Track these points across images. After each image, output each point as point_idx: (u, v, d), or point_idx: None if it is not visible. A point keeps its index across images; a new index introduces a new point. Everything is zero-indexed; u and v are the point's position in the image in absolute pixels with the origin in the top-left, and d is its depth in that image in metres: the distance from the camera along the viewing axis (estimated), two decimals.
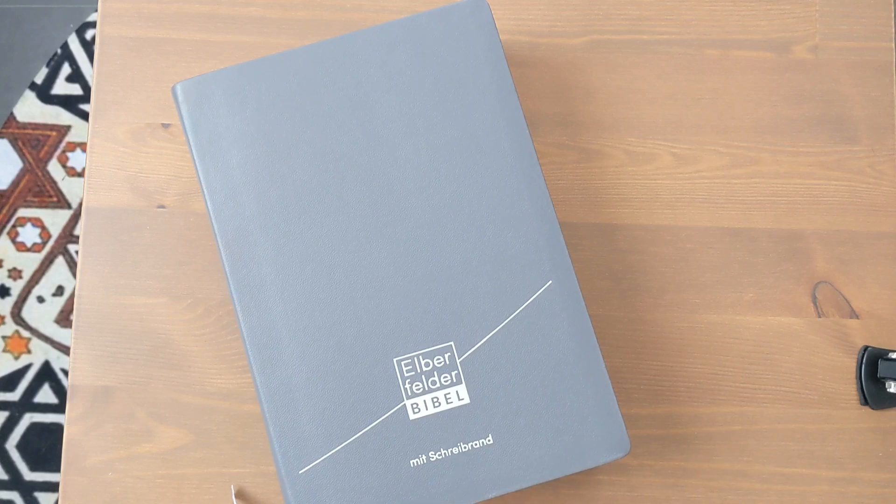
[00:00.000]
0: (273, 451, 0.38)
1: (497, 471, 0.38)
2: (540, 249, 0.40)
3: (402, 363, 0.38)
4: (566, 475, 0.38)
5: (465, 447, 0.38)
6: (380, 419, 0.38)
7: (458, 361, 0.38)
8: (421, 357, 0.38)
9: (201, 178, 0.41)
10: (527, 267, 0.40)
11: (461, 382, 0.38)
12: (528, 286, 0.39)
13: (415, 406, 0.38)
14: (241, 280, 0.39)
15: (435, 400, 0.38)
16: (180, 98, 0.41)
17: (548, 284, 0.39)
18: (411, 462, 0.38)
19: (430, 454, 0.38)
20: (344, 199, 0.40)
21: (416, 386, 0.38)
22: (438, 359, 0.38)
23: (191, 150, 0.41)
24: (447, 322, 0.39)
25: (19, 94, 1.18)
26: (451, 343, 0.39)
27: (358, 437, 0.38)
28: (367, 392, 0.38)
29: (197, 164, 0.41)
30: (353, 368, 0.38)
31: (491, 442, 0.38)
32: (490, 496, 0.38)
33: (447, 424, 0.38)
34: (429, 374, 0.38)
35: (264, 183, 0.40)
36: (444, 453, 0.38)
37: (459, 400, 0.38)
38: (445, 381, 0.38)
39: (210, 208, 0.40)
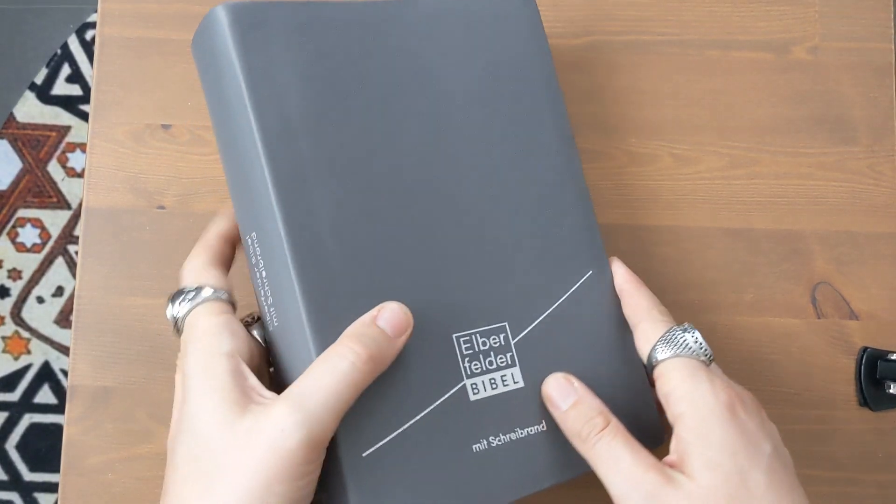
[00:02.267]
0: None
1: (551, 458, 0.36)
2: (582, 240, 0.40)
3: (462, 340, 0.36)
4: None
5: (521, 433, 0.36)
6: (441, 399, 0.35)
7: (512, 343, 0.37)
8: (479, 335, 0.36)
9: (251, 110, 0.34)
10: (570, 256, 0.39)
11: (516, 365, 0.37)
12: (572, 274, 0.39)
13: (474, 386, 0.36)
14: (296, 230, 0.34)
15: (493, 381, 0.36)
16: (226, 20, 0.35)
17: (589, 274, 0.39)
18: (474, 447, 0.35)
19: (490, 439, 0.36)
20: (402, 163, 0.37)
21: (475, 365, 0.36)
22: (494, 339, 0.37)
23: (235, 83, 0.35)
24: (501, 302, 0.37)
25: (19, 94, 1.18)
26: (506, 324, 0.37)
27: (421, 418, 0.35)
28: (429, 369, 0.35)
29: (246, 93, 0.34)
30: (415, 342, 0.35)
31: (544, 428, 0.37)
32: (548, 485, 0.36)
33: (505, 408, 0.36)
34: (486, 354, 0.36)
35: (325, 128, 0.36)
36: (504, 439, 0.36)
37: (515, 383, 0.37)
38: (501, 363, 0.37)
39: (260, 143, 0.34)
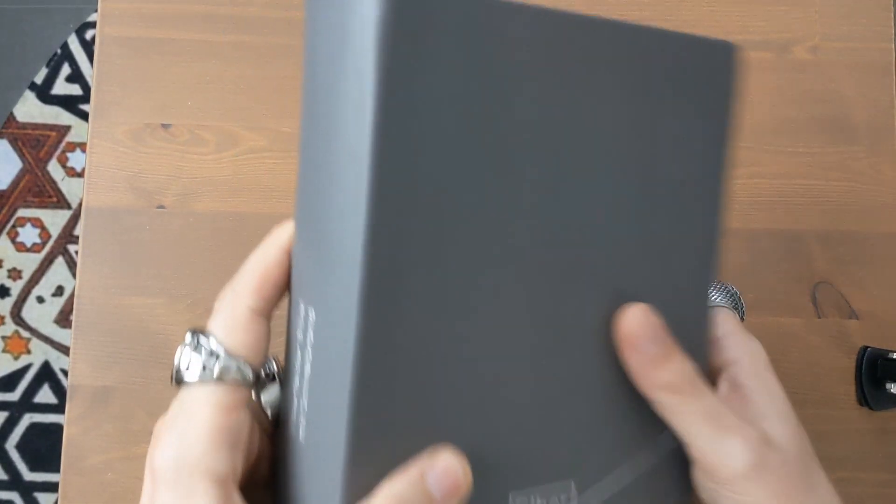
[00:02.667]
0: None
1: None
2: (687, 342, 0.30)
3: (518, 501, 0.29)
4: None
5: None
6: None
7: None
8: (539, 496, 0.29)
9: (376, 127, 0.23)
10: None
11: None
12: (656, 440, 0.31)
13: None
14: (379, 307, 0.24)
15: None
16: (375, 16, 0.22)
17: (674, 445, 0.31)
18: None
19: None
20: (531, 246, 0.27)
21: None
22: (554, 500, 0.29)
23: (374, 76, 0.22)
24: (569, 456, 0.29)
25: (19, 94, 1.18)
26: (571, 482, 0.30)
27: None
28: None
29: (378, 107, 0.22)
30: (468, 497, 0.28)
31: None
32: None
33: None
34: None
35: (464, 177, 0.25)
36: None
37: None
38: None
39: (369, 177, 0.23)
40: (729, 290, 0.35)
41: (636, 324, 0.28)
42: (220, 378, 0.25)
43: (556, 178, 0.27)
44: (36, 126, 1.17)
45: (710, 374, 0.32)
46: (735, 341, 0.32)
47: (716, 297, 0.35)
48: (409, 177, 0.24)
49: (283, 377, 0.28)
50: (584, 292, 0.28)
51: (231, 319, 0.26)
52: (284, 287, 0.28)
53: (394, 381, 0.25)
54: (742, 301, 0.35)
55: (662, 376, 0.29)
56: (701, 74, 0.31)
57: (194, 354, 0.26)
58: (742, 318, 0.36)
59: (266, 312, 0.27)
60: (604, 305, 0.29)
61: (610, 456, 0.30)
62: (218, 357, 0.25)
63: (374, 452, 0.25)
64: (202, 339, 0.26)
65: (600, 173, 0.28)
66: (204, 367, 0.25)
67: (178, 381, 0.26)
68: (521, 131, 0.26)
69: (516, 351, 0.27)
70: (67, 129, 1.18)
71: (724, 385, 0.31)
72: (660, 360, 0.29)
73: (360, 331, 0.24)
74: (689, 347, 0.30)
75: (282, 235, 0.28)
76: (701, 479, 0.30)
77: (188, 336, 0.26)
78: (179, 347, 0.26)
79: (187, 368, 0.25)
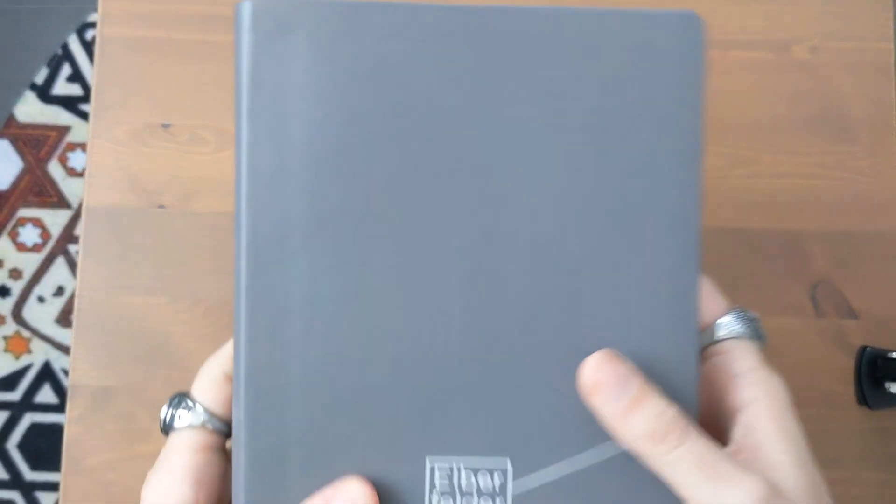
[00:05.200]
0: None
1: None
2: (666, 382, 0.28)
3: (437, 467, 0.27)
4: None
5: None
6: None
7: (509, 491, 0.27)
8: (462, 467, 0.27)
9: (244, 145, 0.27)
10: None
11: None
12: None
13: None
14: (259, 295, 0.27)
15: None
16: (245, 23, 0.27)
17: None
18: None
19: None
20: (427, 229, 0.28)
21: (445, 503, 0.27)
22: (485, 478, 0.27)
23: (240, 102, 0.27)
24: (509, 431, 0.27)
25: (19, 94, 1.18)
26: (507, 460, 0.27)
27: None
28: (381, 492, 0.27)
29: (244, 124, 0.27)
30: (374, 455, 0.27)
31: None
32: None
33: None
34: (466, 495, 0.27)
35: (330, 174, 0.27)
36: None
37: None
38: None
39: (244, 188, 0.27)
40: (748, 317, 0.31)
41: (599, 373, 0.26)
42: (192, 426, 0.30)
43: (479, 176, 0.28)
44: (36, 126, 1.17)
45: (727, 415, 0.29)
46: (754, 379, 0.29)
47: (734, 326, 0.31)
48: (281, 167, 0.27)
49: None
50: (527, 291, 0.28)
51: (207, 381, 0.31)
52: None
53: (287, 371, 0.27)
54: (763, 328, 0.31)
55: (637, 425, 0.26)
56: (663, 50, 0.29)
57: (178, 410, 0.31)
58: (763, 347, 0.32)
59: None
60: (557, 309, 0.28)
61: (558, 446, 0.28)
62: (193, 408, 0.30)
63: (271, 474, 0.27)
64: (184, 398, 0.31)
65: (546, 169, 0.28)
66: (180, 418, 0.31)
67: (166, 430, 0.31)
68: (431, 122, 0.27)
69: (449, 321, 0.27)
70: (67, 129, 1.18)
71: (738, 429, 0.28)
72: (632, 409, 0.26)
73: (248, 289, 0.27)
74: (673, 383, 0.28)
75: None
76: None
77: (171, 398, 0.32)
78: (164, 406, 0.31)
79: (171, 420, 0.31)
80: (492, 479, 0.28)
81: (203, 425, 0.30)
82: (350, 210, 0.27)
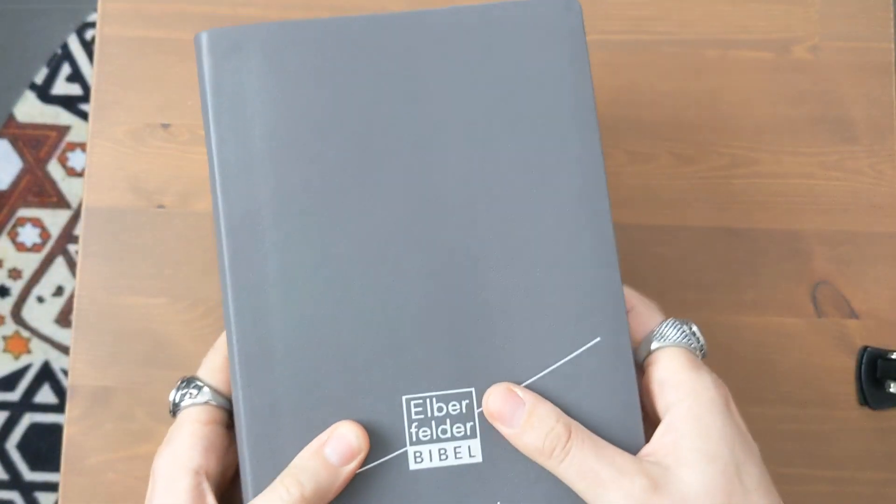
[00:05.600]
0: (245, 485, 0.32)
1: None
2: (592, 299, 0.33)
3: (413, 402, 0.33)
4: None
5: None
6: (375, 462, 0.32)
7: (475, 412, 0.33)
8: (434, 399, 0.33)
9: (213, 146, 0.33)
10: (574, 316, 0.33)
11: (476, 437, 0.33)
12: (571, 339, 0.33)
13: (418, 455, 0.32)
14: (239, 274, 0.32)
15: (442, 452, 0.32)
16: (204, 47, 0.33)
17: (595, 341, 0.33)
18: None
19: None
20: (376, 199, 0.33)
21: (423, 432, 0.32)
22: (454, 405, 0.33)
23: (206, 111, 0.33)
24: (471, 365, 0.33)
25: (19, 94, 1.18)
26: (472, 390, 0.33)
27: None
28: (368, 429, 0.32)
29: (211, 127, 0.33)
30: (356, 399, 0.32)
31: None
32: None
33: (451, 482, 0.32)
34: (440, 421, 0.33)
35: (288, 162, 0.33)
36: None
37: (471, 457, 0.32)
38: (458, 433, 0.33)
39: (217, 182, 0.33)
40: (681, 326, 0.34)
41: (496, 404, 0.32)
42: (198, 404, 0.34)
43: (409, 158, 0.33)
44: (36, 126, 1.17)
45: (659, 419, 0.32)
46: (677, 381, 0.32)
47: (669, 334, 0.34)
48: (246, 161, 0.33)
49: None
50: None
51: (211, 365, 0.35)
52: None
53: (267, 311, 0.32)
54: (701, 338, 0.34)
55: (528, 443, 0.31)
56: (545, 32, 0.35)
57: (187, 390, 0.34)
58: (702, 355, 0.35)
59: None
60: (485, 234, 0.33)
61: (517, 369, 0.33)
62: (200, 389, 0.34)
63: (271, 418, 0.32)
64: (192, 381, 0.35)
65: (464, 143, 0.34)
66: (190, 396, 0.34)
67: (174, 411, 0.34)
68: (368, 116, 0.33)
69: (401, 266, 0.33)
70: (67, 129, 1.18)
71: (659, 429, 0.32)
72: (524, 430, 0.31)
73: (231, 271, 0.32)
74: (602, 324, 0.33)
75: None
76: None
77: (179, 381, 0.35)
78: (173, 389, 0.35)
79: (180, 400, 0.34)
80: (460, 405, 0.33)
81: (208, 402, 0.34)
82: (309, 189, 0.33)
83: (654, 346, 0.34)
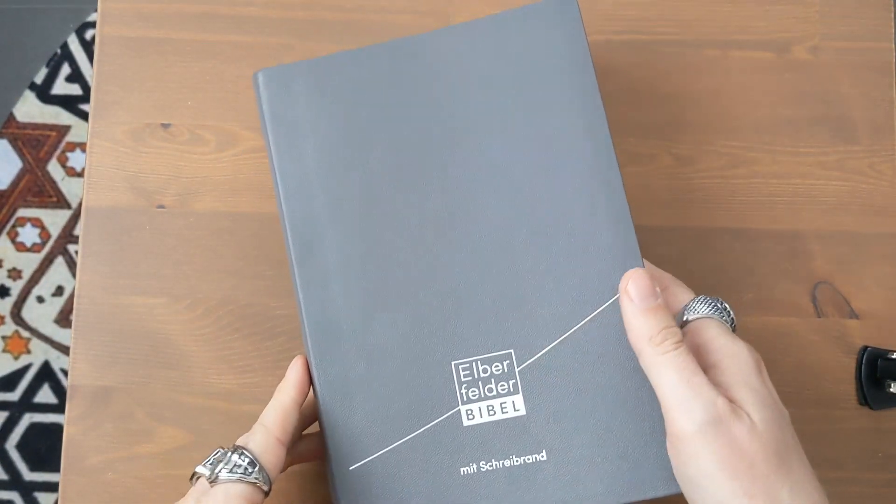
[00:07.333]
0: (325, 446, 0.38)
1: (547, 489, 0.36)
2: (612, 261, 0.37)
3: (461, 367, 0.37)
4: None
5: (517, 461, 0.37)
6: (433, 422, 0.37)
7: (516, 371, 0.37)
8: (479, 362, 0.37)
9: (275, 165, 0.40)
10: (595, 278, 0.37)
11: (518, 392, 0.37)
12: (595, 298, 0.37)
13: (469, 412, 0.37)
14: (305, 268, 0.39)
15: (490, 408, 0.37)
16: (261, 84, 0.41)
17: (615, 298, 0.37)
18: (461, 470, 0.37)
19: (480, 464, 0.37)
20: (416, 195, 0.39)
21: (472, 392, 0.37)
22: (497, 366, 0.37)
23: (267, 137, 0.40)
24: (509, 329, 0.38)
25: (19, 94, 1.18)
26: (511, 351, 0.37)
27: (410, 439, 0.37)
28: (423, 394, 0.37)
29: (272, 149, 0.40)
30: (412, 368, 0.38)
31: (544, 458, 0.37)
32: None
33: (501, 434, 0.37)
34: (486, 381, 0.37)
35: (337, 172, 0.39)
36: (495, 465, 0.37)
37: (515, 411, 0.37)
38: (502, 390, 0.37)
39: (281, 194, 0.39)
40: (713, 304, 0.37)
41: (636, 280, 0.35)
42: (250, 482, 0.34)
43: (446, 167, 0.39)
44: (36, 126, 1.17)
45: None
46: (716, 347, 0.35)
47: (700, 308, 0.37)
48: (303, 181, 0.39)
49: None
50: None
51: (263, 444, 0.36)
52: (301, 423, 0.40)
53: (329, 277, 0.39)
54: (731, 312, 0.37)
55: (646, 325, 0.34)
56: (547, 30, 0.40)
57: (233, 459, 0.34)
58: (733, 329, 0.37)
59: (286, 443, 0.37)
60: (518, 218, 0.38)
61: (549, 328, 0.38)
62: (256, 467, 0.34)
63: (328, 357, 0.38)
64: (239, 453, 0.35)
65: (492, 154, 0.39)
66: (245, 471, 0.34)
67: (214, 479, 0.34)
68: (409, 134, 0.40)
69: (442, 249, 0.38)
70: (67, 129, 1.18)
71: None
72: (646, 313, 0.34)
73: (296, 255, 0.39)
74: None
75: (293, 376, 0.38)
76: (669, 440, 0.33)
77: (221, 450, 0.35)
78: (213, 455, 0.35)
79: (226, 472, 0.34)
80: (502, 365, 0.37)
81: (260, 483, 0.35)
82: (358, 196, 0.39)
83: (693, 314, 0.37)
